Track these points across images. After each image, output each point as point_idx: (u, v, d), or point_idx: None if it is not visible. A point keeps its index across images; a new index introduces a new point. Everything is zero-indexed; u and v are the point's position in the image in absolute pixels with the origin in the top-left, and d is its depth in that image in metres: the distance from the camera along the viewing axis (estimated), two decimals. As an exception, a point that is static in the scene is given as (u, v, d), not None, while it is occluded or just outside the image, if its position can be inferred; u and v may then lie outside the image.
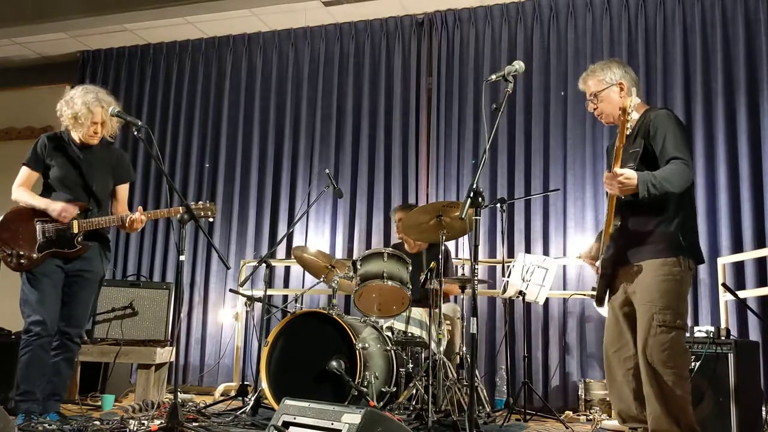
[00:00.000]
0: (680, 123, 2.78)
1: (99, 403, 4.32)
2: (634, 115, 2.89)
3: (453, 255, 5.25)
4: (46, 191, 3.41)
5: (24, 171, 3.42)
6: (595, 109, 2.95)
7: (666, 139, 2.68)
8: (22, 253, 3.25)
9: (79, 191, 3.41)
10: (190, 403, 4.21)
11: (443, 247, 3.82)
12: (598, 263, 2.95)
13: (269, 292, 5.29)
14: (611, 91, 2.88)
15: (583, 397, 4.55)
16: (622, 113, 2.53)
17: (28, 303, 3.25)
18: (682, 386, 2.60)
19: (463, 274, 4.60)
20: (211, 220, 3.58)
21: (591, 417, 4.22)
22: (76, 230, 3.33)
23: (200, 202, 3.61)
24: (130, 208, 3.59)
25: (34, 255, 3.26)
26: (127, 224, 3.36)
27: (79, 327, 3.44)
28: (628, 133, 2.91)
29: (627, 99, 2.52)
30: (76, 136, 3.45)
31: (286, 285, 5.79)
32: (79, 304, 3.39)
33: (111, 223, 3.42)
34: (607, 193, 3.09)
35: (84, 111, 3.36)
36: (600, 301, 2.96)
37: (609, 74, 2.89)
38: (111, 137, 3.54)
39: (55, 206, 3.28)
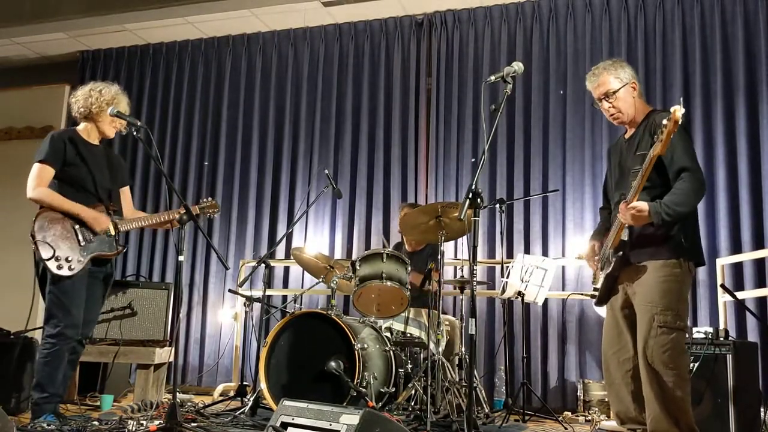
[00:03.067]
0: (686, 128, 2.78)
1: (98, 403, 4.32)
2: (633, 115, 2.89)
3: (452, 255, 5.27)
4: (63, 190, 3.29)
5: (41, 169, 3.26)
6: (610, 108, 2.87)
7: (676, 148, 2.67)
8: (70, 257, 3.17)
9: (101, 192, 3.37)
10: (189, 404, 4.21)
11: (442, 248, 3.82)
12: (597, 258, 2.95)
13: (268, 292, 5.31)
14: (626, 90, 2.86)
15: (581, 397, 4.55)
16: (673, 125, 2.41)
17: (63, 308, 3.18)
18: (682, 387, 2.61)
19: (462, 276, 4.61)
20: (216, 216, 3.60)
21: (590, 418, 4.22)
22: (113, 232, 3.32)
23: (203, 200, 3.62)
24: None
25: (81, 259, 3.20)
26: (172, 222, 3.39)
27: (90, 329, 3.44)
28: (628, 136, 2.92)
29: (678, 109, 2.40)
30: (88, 132, 3.43)
31: (285, 285, 5.79)
32: (92, 305, 3.38)
33: (154, 221, 3.43)
34: (604, 193, 3.10)
35: (121, 98, 3.39)
36: (601, 302, 2.96)
37: (623, 73, 2.86)
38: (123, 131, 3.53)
39: (89, 213, 3.23)
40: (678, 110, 2.40)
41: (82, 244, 3.23)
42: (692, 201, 2.63)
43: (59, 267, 3.16)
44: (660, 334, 2.62)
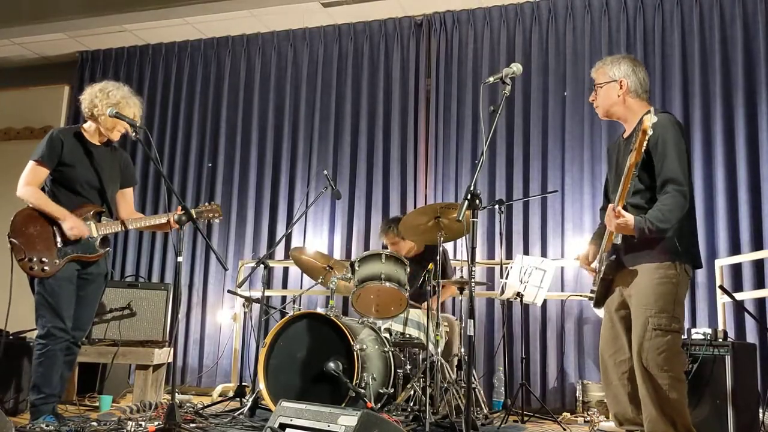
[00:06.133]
0: (682, 132, 2.75)
1: (97, 404, 4.32)
2: (630, 116, 2.89)
3: (452, 256, 5.25)
4: (56, 189, 3.28)
5: (34, 168, 3.24)
6: (593, 100, 2.98)
7: (667, 155, 2.66)
8: (44, 259, 3.14)
9: (92, 193, 3.35)
10: (188, 404, 4.21)
11: (441, 249, 3.83)
12: (594, 264, 2.95)
13: (267, 293, 5.31)
14: (611, 87, 2.88)
15: (580, 398, 4.56)
16: (642, 134, 2.44)
17: (50, 308, 3.16)
18: (677, 389, 2.60)
19: (461, 276, 4.61)
20: (217, 221, 3.57)
21: (588, 419, 4.22)
22: (95, 234, 3.29)
23: (206, 204, 3.59)
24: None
25: (57, 261, 3.16)
26: (170, 224, 3.35)
27: (84, 330, 3.42)
28: (626, 135, 2.93)
29: (648, 118, 2.41)
30: (92, 132, 3.40)
31: (284, 286, 5.79)
32: (86, 307, 3.36)
33: (146, 224, 3.40)
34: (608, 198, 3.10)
35: (131, 101, 3.37)
36: (599, 304, 2.97)
37: (614, 69, 2.89)
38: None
39: (68, 222, 3.18)
40: (647, 119, 2.40)
41: (60, 245, 3.19)
42: (675, 217, 2.64)
43: (31, 268, 3.13)
44: (654, 337, 2.62)
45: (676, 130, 2.72)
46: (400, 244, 4.65)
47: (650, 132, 2.44)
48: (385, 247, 4.79)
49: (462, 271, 5.05)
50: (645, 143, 2.48)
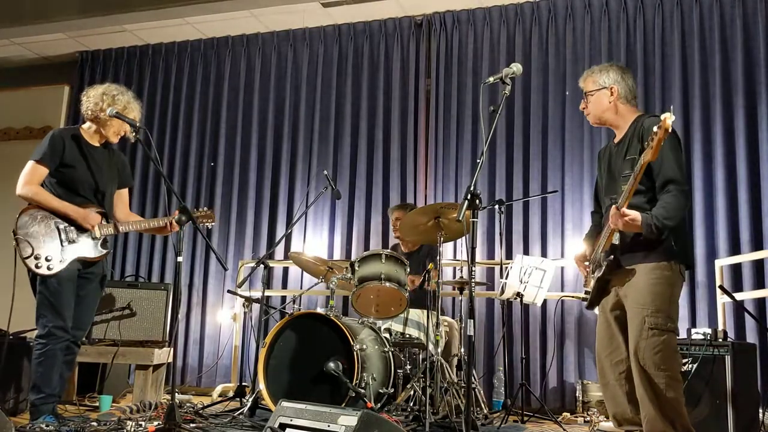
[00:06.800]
0: (675, 135, 2.77)
1: (96, 404, 4.31)
2: (622, 122, 2.91)
3: (452, 256, 5.27)
4: (57, 190, 3.29)
5: (34, 168, 3.25)
6: (584, 108, 3.02)
7: (665, 157, 2.67)
8: (49, 257, 3.16)
9: (91, 194, 3.36)
10: (188, 404, 4.21)
11: (440, 248, 3.83)
12: (587, 263, 2.96)
13: (267, 293, 5.31)
14: (602, 94, 2.93)
15: (580, 398, 4.56)
16: (663, 133, 2.40)
17: (51, 308, 3.17)
18: (674, 388, 2.62)
19: (461, 276, 4.62)
20: (210, 226, 3.59)
21: (588, 419, 4.23)
22: (98, 235, 3.30)
23: (200, 209, 3.61)
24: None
25: (62, 259, 3.18)
26: (170, 228, 3.39)
27: (84, 330, 3.43)
28: (617, 140, 2.94)
29: (668, 116, 2.37)
30: (91, 133, 3.41)
31: (284, 286, 5.80)
32: (86, 307, 3.37)
33: (144, 226, 3.41)
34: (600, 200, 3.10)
35: (134, 105, 3.39)
36: (592, 305, 2.98)
37: (604, 77, 2.94)
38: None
39: (78, 212, 3.22)
40: (668, 118, 2.38)
41: (64, 244, 3.21)
42: (679, 215, 2.67)
43: (38, 266, 3.15)
44: (651, 336, 2.63)
45: (673, 135, 2.74)
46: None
47: (670, 130, 2.43)
48: (386, 228, 4.75)
49: (462, 271, 5.05)
50: (662, 143, 2.47)
